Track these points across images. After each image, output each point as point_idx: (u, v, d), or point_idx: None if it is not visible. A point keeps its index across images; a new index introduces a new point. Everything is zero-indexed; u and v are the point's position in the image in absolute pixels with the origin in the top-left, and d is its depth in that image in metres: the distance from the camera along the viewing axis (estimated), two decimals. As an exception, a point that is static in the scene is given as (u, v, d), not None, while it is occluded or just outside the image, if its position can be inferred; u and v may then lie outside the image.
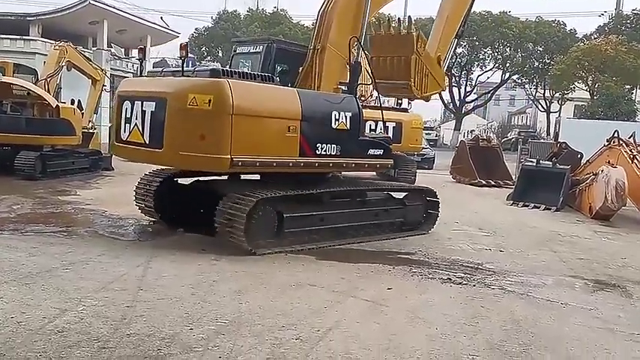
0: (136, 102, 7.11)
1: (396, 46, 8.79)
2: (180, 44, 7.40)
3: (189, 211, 7.72)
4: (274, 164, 6.90)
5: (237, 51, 9.76)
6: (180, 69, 7.03)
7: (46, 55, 17.68)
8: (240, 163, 6.58)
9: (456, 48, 10.90)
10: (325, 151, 7.24)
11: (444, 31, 9.63)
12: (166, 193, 7.82)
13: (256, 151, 6.70)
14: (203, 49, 45.29)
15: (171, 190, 7.94)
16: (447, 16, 9.69)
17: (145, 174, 8.17)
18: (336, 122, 7.30)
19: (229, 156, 6.45)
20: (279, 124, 6.85)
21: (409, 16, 9.05)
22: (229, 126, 6.42)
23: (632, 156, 11.74)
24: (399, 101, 21.14)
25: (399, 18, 8.85)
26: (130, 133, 7.23)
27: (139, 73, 7.73)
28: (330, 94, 7.73)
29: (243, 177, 7.77)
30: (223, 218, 6.66)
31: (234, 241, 6.66)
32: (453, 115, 50.65)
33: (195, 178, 8.02)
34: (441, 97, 44.24)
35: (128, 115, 7.21)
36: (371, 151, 7.82)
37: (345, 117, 7.38)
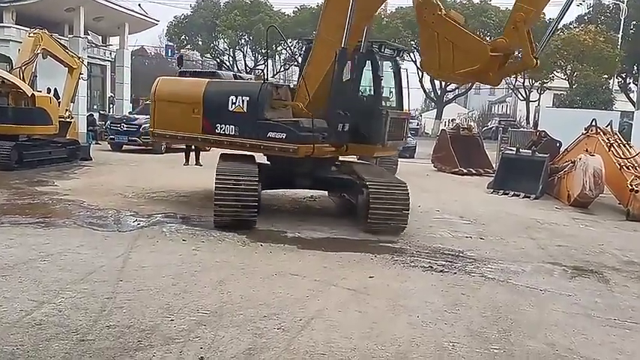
0: None
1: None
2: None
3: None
4: (178, 137, 9.28)
5: None
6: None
7: (20, 42, 17.25)
8: (156, 134, 9.30)
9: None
10: (224, 130, 8.28)
11: None
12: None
13: (170, 127, 8.99)
14: (182, 37, 44.60)
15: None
16: None
17: (223, 181, 7.43)
18: (233, 105, 8.17)
19: (154, 130, 9.21)
20: (187, 107, 8.59)
21: None
22: (154, 109, 9.14)
23: (609, 144, 11.92)
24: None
25: None
26: None
27: None
28: (239, 82, 9.44)
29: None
30: (387, 206, 7.53)
31: (399, 224, 7.68)
32: (434, 104, 50.81)
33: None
34: (422, 86, 44.43)
35: None
36: (270, 134, 7.90)
37: (243, 101, 8.11)
